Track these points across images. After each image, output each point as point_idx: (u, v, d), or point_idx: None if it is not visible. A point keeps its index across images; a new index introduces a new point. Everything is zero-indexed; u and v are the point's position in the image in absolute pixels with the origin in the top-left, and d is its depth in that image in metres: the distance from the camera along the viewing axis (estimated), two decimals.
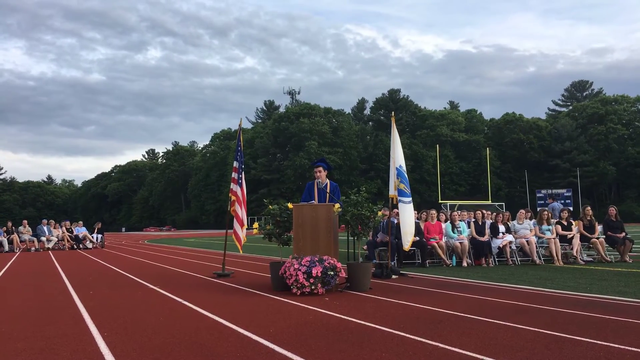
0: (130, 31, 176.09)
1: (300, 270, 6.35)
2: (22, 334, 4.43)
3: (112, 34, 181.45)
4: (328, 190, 7.90)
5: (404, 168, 8.65)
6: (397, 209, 8.79)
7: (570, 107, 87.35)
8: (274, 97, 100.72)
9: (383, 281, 7.98)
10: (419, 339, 4.02)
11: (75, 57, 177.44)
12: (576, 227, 11.31)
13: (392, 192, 8.56)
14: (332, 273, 6.43)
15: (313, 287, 6.34)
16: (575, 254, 10.82)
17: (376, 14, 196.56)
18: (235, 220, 9.05)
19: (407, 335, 4.14)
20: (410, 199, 8.57)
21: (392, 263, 9.10)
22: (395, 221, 9.41)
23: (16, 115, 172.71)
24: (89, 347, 3.91)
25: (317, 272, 6.32)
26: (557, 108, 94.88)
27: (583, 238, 11.10)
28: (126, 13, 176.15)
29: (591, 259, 11.08)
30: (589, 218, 11.38)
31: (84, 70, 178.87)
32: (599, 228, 11.41)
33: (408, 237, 8.60)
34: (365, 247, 10.76)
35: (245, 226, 9.09)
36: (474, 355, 3.54)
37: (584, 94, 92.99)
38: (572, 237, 10.99)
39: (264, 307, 5.64)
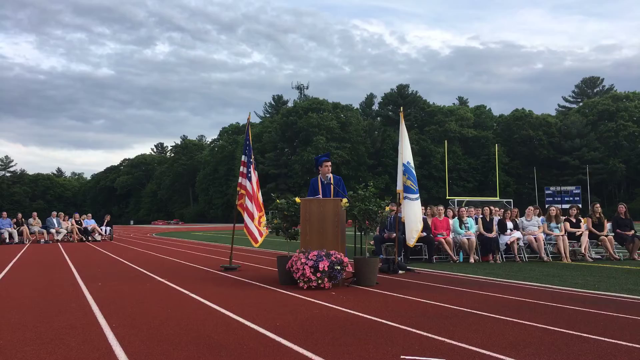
0: (138, 26, 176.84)
1: (307, 264, 6.37)
2: (31, 324, 4.48)
3: (120, 29, 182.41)
4: (332, 182, 7.92)
5: (412, 164, 8.62)
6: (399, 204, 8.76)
7: (581, 104, 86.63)
8: (281, 92, 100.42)
9: (390, 276, 7.99)
10: (425, 334, 4.03)
11: (84, 52, 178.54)
12: (585, 225, 11.24)
13: (400, 187, 8.54)
14: (338, 268, 6.44)
15: (320, 282, 6.36)
16: (583, 251, 10.75)
17: (383, 8, 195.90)
18: (246, 214, 9.05)
19: (414, 330, 4.14)
20: (417, 195, 8.55)
21: (399, 258, 9.09)
22: (401, 216, 9.39)
23: (26, 108, 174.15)
24: (97, 338, 3.94)
25: (324, 267, 6.33)
26: (568, 104, 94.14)
27: (592, 235, 11.04)
28: (135, 8, 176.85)
29: (599, 257, 11.01)
30: (597, 215, 11.30)
31: (93, 64, 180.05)
32: (607, 225, 11.34)
33: (414, 234, 8.59)
34: (372, 242, 10.76)
35: (257, 219, 9.05)
36: (480, 350, 3.53)
37: (595, 90, 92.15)
38: (581, 235, 10.92)
39: (270, 301, 5.66)
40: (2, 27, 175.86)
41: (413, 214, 8.54)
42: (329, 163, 8.11)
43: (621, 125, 73.48)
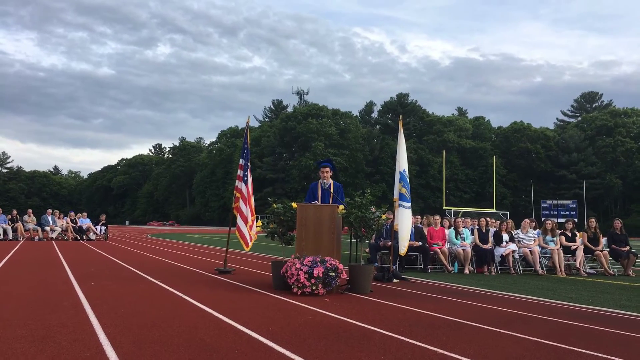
0: (140, 27, 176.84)
1: (301, 270, 6.35)
2: (23, 321, 4.45)
3: (122, 29, 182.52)
4: (332, 191, 7.90)
5: (407, 173, 8.63)
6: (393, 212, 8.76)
7: (579, 118, 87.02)
8: (281, 97, 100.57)
9: (384, 285, 7.97)
10: (418, 343, 4.02)
11: (85, 51, 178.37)
12: (580, 239, 11.25)
13: (396, 195, 8.55)
14: (333, 274, 6.43)
15: (314, 288, 6.34)
16: (578, 265, 10.76)
17: (385, 17, 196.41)
18: (239, 217, 9.05)
19: (406, 340, 4.13)
20: (410, 204, 8.56)
21: (394, 267, 9.08)
22: (395, 224, 9.37)
23: (25, 105, 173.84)
24: (88, 337, 3.92)
25: (318, 273, 6.32)
26: (566, 119, 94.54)
27: (587, 250, 11.05)
28: (137, 9, 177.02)
29: (594, 272, 11.02)
30: (593, 230, 11.32)
31: (93, 63, 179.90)
32: (603, 241, 11.35)
33: (405, 242, 8.58)
34: (367, 249, 10.75)
35: (254, 224, 9.06)
36: None
37: (593, 105, 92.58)
38: (576, 249, 10.93)
39: (264, 305, 5.64)
40: (4, 23, 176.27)
41: (405, 223, 8.54)
42: (327, 169, 8.06)
43: (619, 140, 73.79)
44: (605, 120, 76.36)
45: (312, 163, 69.31)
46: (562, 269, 10.54)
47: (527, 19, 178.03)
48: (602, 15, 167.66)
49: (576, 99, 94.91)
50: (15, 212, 20.47)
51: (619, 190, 72.88)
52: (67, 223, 20.53)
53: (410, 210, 8.61)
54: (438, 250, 10.62)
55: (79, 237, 20.34)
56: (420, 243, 10.45)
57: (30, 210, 21.26)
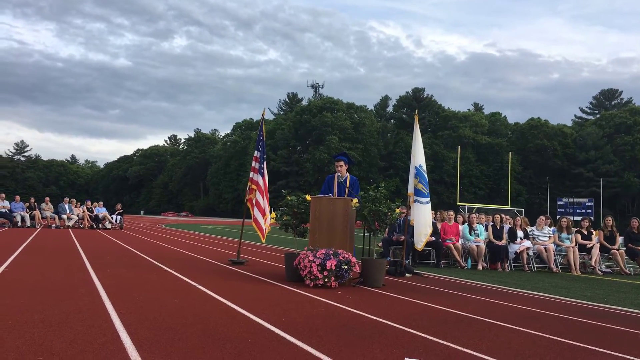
0: (157, 19, 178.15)
1: (314, 262, 6.37)
2: (39, 306, 4.52)
3: (139, 21, 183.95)
4: (347, 185, 7.88)
5: (424, 168, 8.59)
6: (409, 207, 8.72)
7: (598, 116, 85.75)
8: (295, 91, 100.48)
9: (396, 279, 7.97)
10: (430, 337, 4.01)
11: (103, 42, 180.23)
12: (596, 237, 11.13)
13: (411, 190, 8.52)
14: (346, 267, 6.44)
15: (326, 280, 6.36)
16: (593, 264, 10.65)
17: (401, 11, 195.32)
18: (256, 209, 9.08)
19: (419, 333, 4.13)
20: (427, 199, 8.50)
21: (407, 262, 9.06)
22: (410, 219, 9.35)
23: (44, 95, 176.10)
24: (104, 324, 3.98)
25: (331, 265, 6.33)
26: (584, 116, 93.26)
27: (603, 248, 10.92)
28: (154, 1, 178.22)
29: (610, 270, 10.90)
30: (609, 229, 11.19)
31: (111, 54, 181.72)
32: (619, 239, 11.22)
33: (422, 237, 8.56)
34: (380, 244, 10.74)
35: (268, 215, 9.12)
36: (485, 357, 3.51)
37: (612, 102, 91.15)
38: (592, 247, 10.81)
39: (276, 296, 5.67)
40: (24, 13, 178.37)
41: (423, 218, 8.50)
42: (342, 162, 8.05)
43: (638, 139, 72.62)
44: (625, 118, 75.15)
45: (326, 156, 69.28)
46: (577, 267, 10.44)
47: (546, 15, 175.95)
48: (623, 12, 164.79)
49: (595, 96, 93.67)
50: (33, 200, 20.81)
51: (637, 189, 71.79)
52: (84, 211, 20.80)
53: (428, 205, 8.56)
54: (451, 245, 10.57)
55: (94, 226, 20.61)
56: (433, 238, 10.41)
57: (47, 199, 21.59)
